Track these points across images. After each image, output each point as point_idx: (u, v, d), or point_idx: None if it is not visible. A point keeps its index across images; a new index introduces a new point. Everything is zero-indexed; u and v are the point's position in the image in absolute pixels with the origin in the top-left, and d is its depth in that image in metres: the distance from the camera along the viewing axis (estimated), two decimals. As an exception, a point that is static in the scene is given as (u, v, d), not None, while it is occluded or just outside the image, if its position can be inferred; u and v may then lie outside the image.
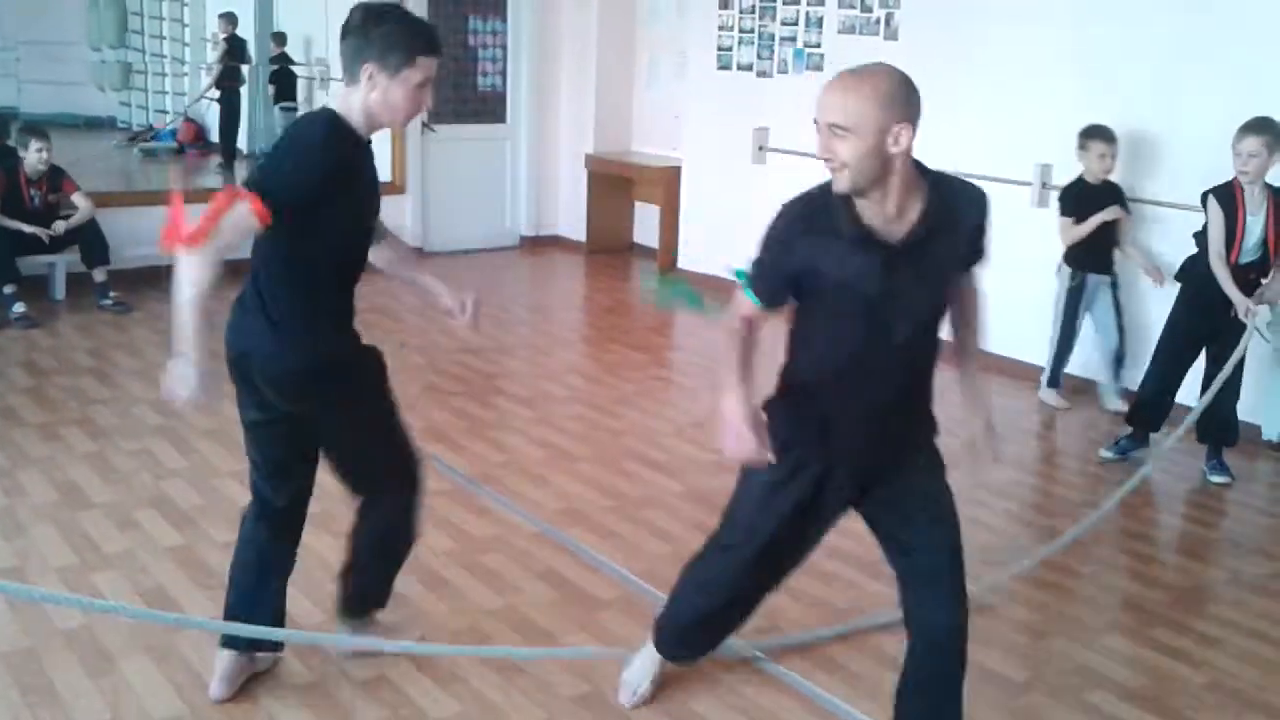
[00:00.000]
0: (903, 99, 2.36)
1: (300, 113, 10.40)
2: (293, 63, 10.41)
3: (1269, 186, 4.65)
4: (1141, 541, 4.39)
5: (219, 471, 4.56)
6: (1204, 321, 4.76)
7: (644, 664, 3.14)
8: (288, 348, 2.83)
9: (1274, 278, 4.66)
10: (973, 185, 2.54)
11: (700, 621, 3.04)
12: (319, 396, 2.89)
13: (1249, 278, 4.69)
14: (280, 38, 10.58)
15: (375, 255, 3.10)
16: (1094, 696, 3.24)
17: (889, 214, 2.42)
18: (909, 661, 2.79)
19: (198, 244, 2.61)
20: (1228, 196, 4.66)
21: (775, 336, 2.71)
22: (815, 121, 2.39)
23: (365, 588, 3.25)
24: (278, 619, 3.07)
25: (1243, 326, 4.62)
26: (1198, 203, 4.81)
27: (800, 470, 2.68)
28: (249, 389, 2.94)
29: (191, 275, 2.66)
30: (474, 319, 3.16)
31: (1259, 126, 4.54)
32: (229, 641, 3.05)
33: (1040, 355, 6.08)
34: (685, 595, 3.03)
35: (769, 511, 2.76)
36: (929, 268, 2.46)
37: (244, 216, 2.61)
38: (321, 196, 2.66)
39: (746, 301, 2.62)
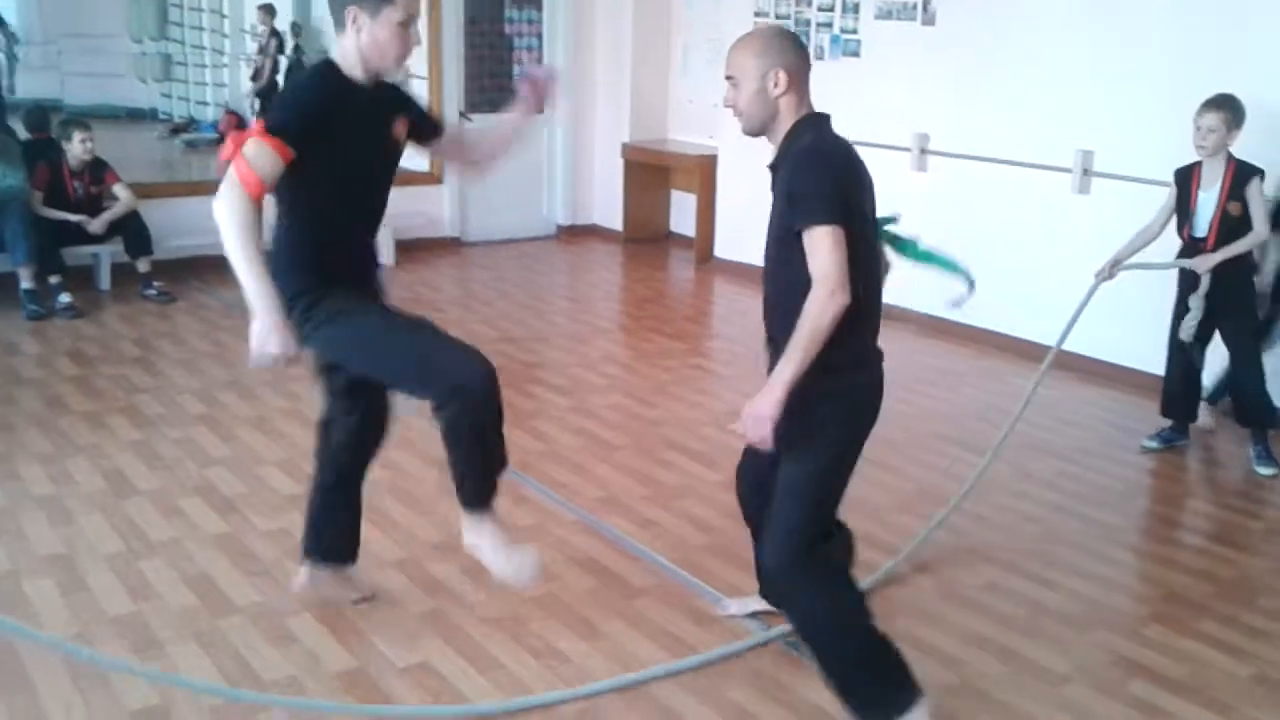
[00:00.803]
0: (774, 48, 2.78)
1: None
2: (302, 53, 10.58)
3: (1235, 163, 4.68)
4: (1184, 531, 4.36)
5: (262, 459, 4.61)
6: (1211, 300, 4.72)
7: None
8: (282, 273, 2.91)
9: (1207, 257, 4.67)
10: (806, 135, 2.79)
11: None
12: (303, 324, 2.94)
13: (1199, 250, 4.73)
14: (296, 28, 10.68)
15: (454, 154, 3.45)
16: (1136, 688, 3.22)
17: (777, 147, 2.86)
18: None
19: (221, 195, 2.76)
20: (1185, 174, 4.78)
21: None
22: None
23: (460, 479, 3.09)
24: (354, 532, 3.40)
25: (1243, 296, 4.74)
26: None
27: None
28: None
29: (227, 219, 2.76)
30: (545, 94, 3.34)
31: (1218, 103, 4.65)
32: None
33: (1079, 343, 6.03)
34: None
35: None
36: (776, 193, 2.84)
37: (259, 149, 2.75)
38: (315, 132, 2.80)
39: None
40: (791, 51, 2.81)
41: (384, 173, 3.11)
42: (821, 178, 2.69)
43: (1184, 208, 4.77)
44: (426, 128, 3.21)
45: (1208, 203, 4.70)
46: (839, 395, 2.80)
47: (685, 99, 9.07)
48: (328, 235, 3.00)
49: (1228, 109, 4.63)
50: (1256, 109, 4.76)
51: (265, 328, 2.77)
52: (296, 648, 3.27)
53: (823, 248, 2.64)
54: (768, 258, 2.89)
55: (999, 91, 6.29)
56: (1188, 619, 3.60)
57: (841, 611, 2.88)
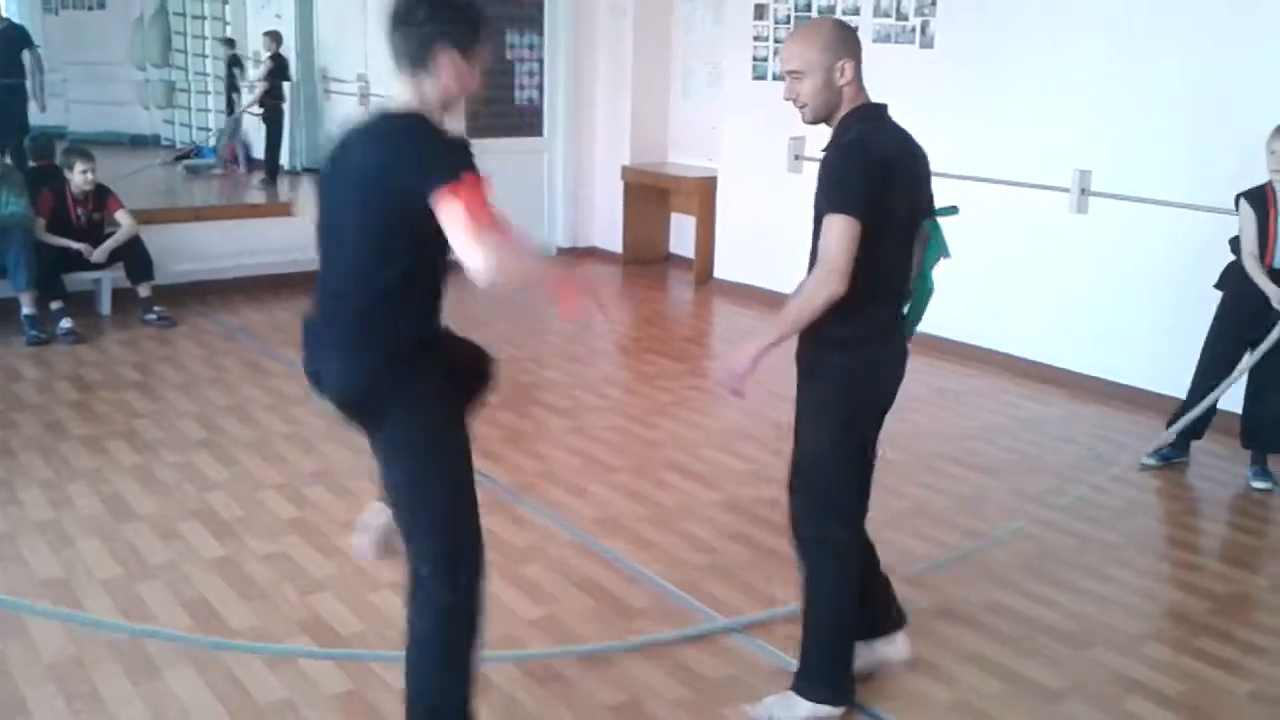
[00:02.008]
0: (840, 40, 2.89)
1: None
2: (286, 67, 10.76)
3: None
4: (1183, 549, 4.35)
5: (261, 484, 4.62)
6: (1246, 328, 4.71)
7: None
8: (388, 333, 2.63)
9: None
10: (852, 128, 2.89)
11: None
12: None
13: None
14: (276, 36, 10.82)
15: None
16: (1134, 706, 3.21)
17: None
18: None
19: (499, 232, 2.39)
20: (1259, 198, 4.65)
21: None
22: (784, 74, 2.93)
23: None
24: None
25: None
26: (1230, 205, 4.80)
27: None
28: None
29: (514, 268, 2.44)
30: None
31: None
32: None
33: (1082, 362, 6.04)
34: None
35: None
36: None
37: (485, 189, 2.42)
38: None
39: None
40: (855, 43, 2.94)
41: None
42: (852, 171, 2.83)
43: (1262, 233, 4.62)
44: None
45: None
46: (847, 367, 2.95)
47: (685, 122, 9.12)
48: (424, 305, 2.69)
49: None
50: (1255, 129, 4.77)
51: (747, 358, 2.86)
52: (292, 670, 3.27)
53: (834, 234, 2.78)
54: (813, 237, 2.93)
55: (997, 113, 6.32)
56: (1186, 636, 3.60)
57: (848, 581, 3.03)
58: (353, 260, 2.58)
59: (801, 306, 2.82)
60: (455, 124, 2.70)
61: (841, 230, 2.76)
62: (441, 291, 2.70)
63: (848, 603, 3.03)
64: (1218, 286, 4.89)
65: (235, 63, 11.49)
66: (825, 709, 3.03)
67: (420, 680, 2.69)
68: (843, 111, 2.92)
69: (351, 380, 2.63)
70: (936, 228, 3.10)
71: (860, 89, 2.93)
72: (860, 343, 2.93)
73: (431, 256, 2.56)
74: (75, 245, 6.74)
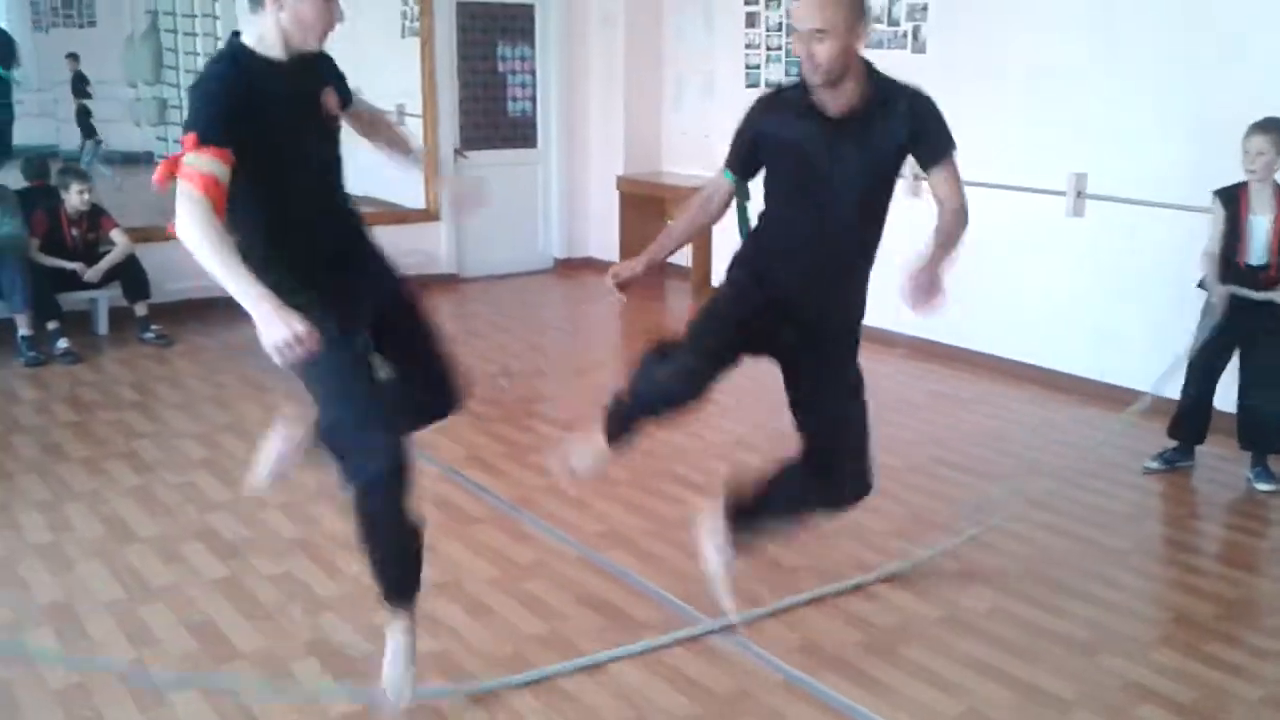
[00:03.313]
0: (861, 3, 2.92)
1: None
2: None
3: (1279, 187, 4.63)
4: (1189, 553, 4.34)
5: (264, 503, 4.59)
6: (1231, 326, 4.71)
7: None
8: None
9: None
10: (908, 84, 3.04)
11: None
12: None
13: (1258, 279, 4.66)
14: None
15: (363, 131, 3.23)
16: (1144, 712, 3.19)
17: (840, 96, 2.95)
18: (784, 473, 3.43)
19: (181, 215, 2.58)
20: (1230, 196, 4.70)
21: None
22: (795, 31, 2.90)
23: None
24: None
25: (1275, 328, 4.62)
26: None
27: (763, 281, 3.17)
28: None
29: (190, 228, 2.57)
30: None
31: (1267, 125, 4.58)
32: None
33: (1078, 365, 6.04)
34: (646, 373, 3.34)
35: (736, 298, 3.23)
36: (867, 139, 2.97)
37: (199, 159, 2.57)
38: (238, 124, 2.62)
39: (718, 177, 3.24)
40: (868, 3, 3.03)
41: (327, 146, 2.93)
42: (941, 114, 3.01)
43: (1234, 231, 4.68)
44: (343, 96, 3.03)
45: (1260, 228, 4.63)
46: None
47: (678, 131, 9.12)
48: (284, 227, 2.81)
49: (1277, 131, 4.55)
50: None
51: (264, 317, 2.52)
52: (299, 692, 3.25)
53: (956, 172, 3.02)
54: (846, 205, 3.03)
55: (991, 116, 6.32)
56: (1195, 642, 3.59)
57: None
58: None
59: (959, 236, 2.99)
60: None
61: (956, 166, 3.03)
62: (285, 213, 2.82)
63: None
64: (1201, 286, 4.90)
65: None
66: None
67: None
68: (853, 72, 2.94)
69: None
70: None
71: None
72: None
73: (253, 190, 2.72)
74: (69, 266, 6.72)
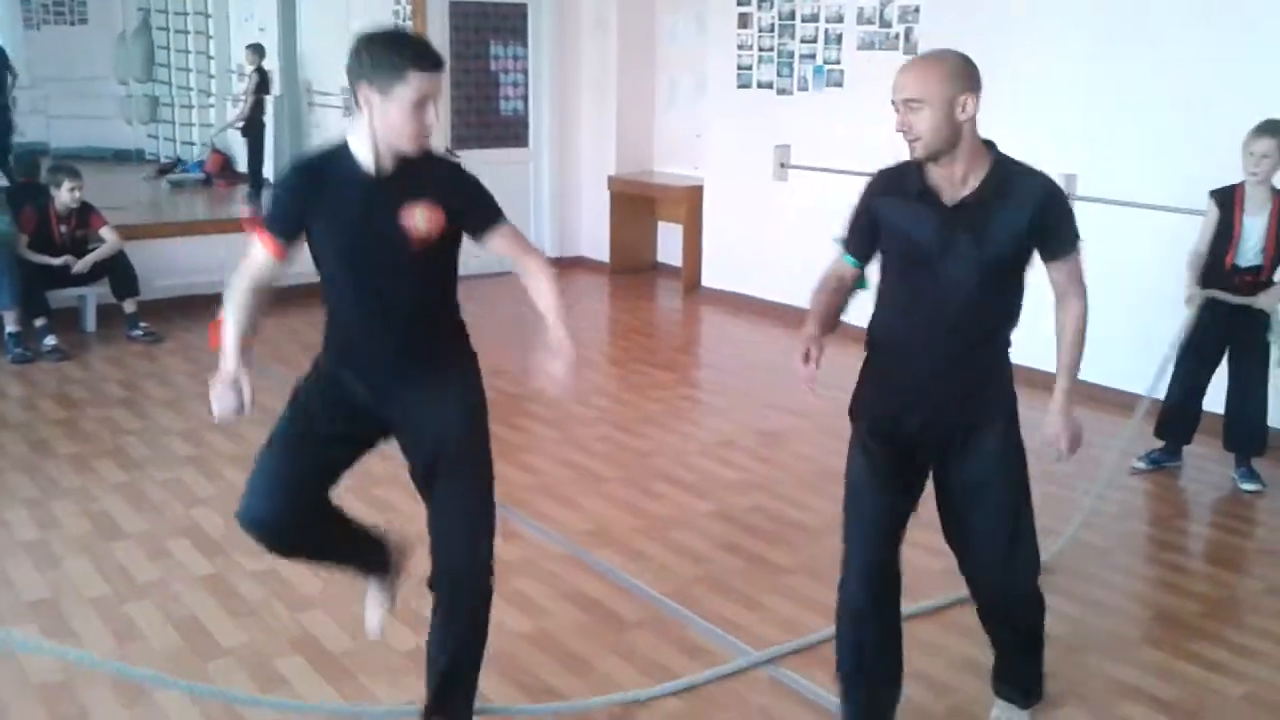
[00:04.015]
0: (964, 74, 2.77)
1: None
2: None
3: (1277, 191, 4.63)
4: (1174, 552, 4.35)
5: (249, 499, 4.58)
6: (1219, 328, 4.73)
7: None
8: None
9: (1273, 290, 4.64)
10: (1036, 170, 2.84)
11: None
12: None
13: (1247, 281, 4.68)
14: (259, 50, 10.76)
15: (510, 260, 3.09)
16: (1129, 710, 3.21)
17: (955, 178, 2.76)
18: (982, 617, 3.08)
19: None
20: (1225, 196, 4.71)
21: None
22: (893, 103, 2.75)
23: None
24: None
25: (1260, 330, 4.65)
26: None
27: (875, 425, 2.89)
28: None
29: (234, 282, 2.80)
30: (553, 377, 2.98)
31: (1271, 128, 4.58)
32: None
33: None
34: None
35: (861, 470, 2.89)
36: (985, 229, 2.74)
37: (255, 249, 2.75)
38: (303, 223, 2.72)
39: (839, 260, 2.95)
40: (979, 78, 2.83)
41: (395, 263, 2.72)
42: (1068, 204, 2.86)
43: (1226, 232, 4.68)
44: (472, 222, 2.86)
45: (1254, 230, 4.64)
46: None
47: (670, 131, 9.13)
48: (335, 319, 2.85)
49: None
50: (1241, 131, 4.78)
51: (217, 380, 2.82)
52: (285, 690, 3.25)
53: (1082, 264, 2.87)
54: (960, 296, 2.77)
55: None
56: (1179, 640, 3.60)
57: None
58: None
59: (1085, 343, 2.93)
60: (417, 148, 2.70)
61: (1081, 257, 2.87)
62: (343, 310, 2.85)
63: None
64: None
65: (261, 74, 11.36)
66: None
67: None
68: (968, 150, 2.77)
69: None
70: None
71: (976, 127, 2.80)
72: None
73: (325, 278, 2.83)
74: (56, 261, 6.70)
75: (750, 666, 3.39)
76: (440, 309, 2.89)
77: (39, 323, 6.58)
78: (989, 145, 2.82)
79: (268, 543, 2.89)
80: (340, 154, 2.70)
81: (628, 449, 5.29)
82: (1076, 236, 2.83)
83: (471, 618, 2.87)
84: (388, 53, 2.58)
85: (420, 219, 2.69)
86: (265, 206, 2.83)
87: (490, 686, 3.25)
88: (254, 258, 2.76)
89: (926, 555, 4.14)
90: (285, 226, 2.73)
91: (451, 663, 2.88)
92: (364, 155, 2.66)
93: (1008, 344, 2.92)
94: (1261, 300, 4.64)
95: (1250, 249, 4.67)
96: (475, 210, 2.86)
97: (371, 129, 2.63)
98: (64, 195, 6.74)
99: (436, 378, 2.83)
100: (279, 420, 2.94)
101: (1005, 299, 2.85)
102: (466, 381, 2.91)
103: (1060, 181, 6.01)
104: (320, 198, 2.69)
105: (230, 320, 2.78)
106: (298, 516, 2.87)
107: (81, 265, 6.77)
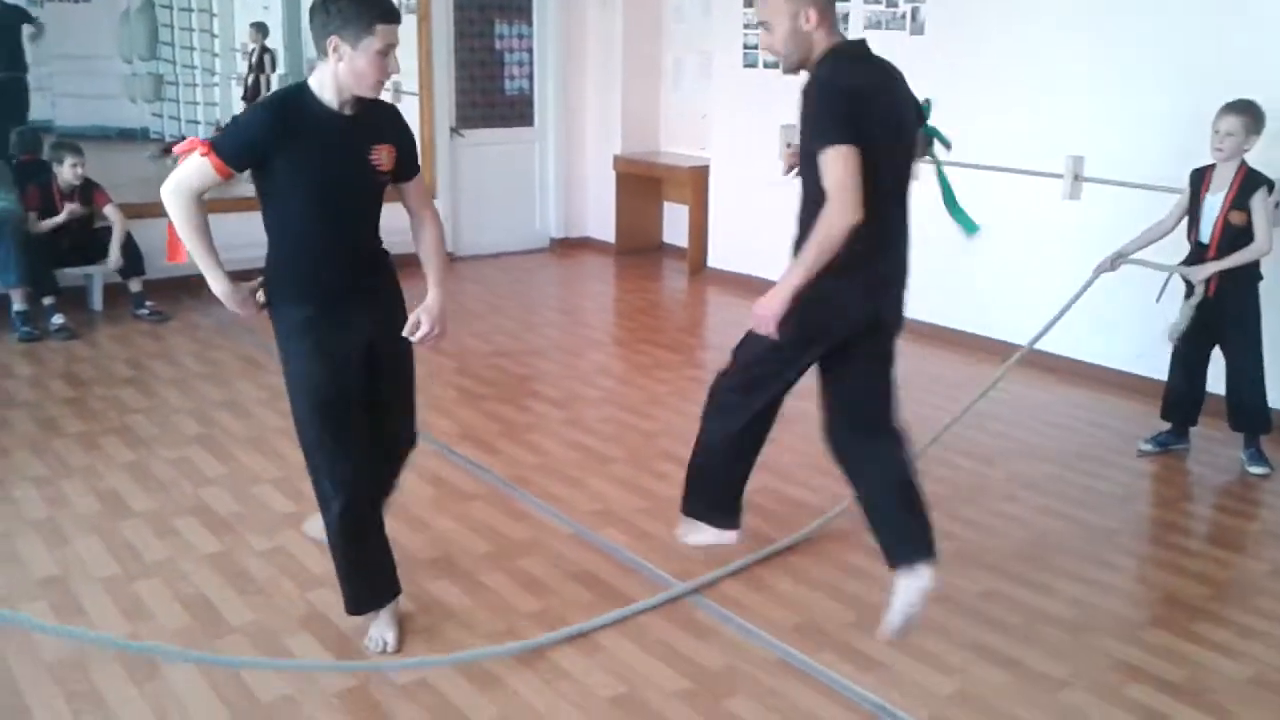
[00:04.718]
0: None
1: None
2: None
3: (1245, 170, 4.64)
4: (1180, 534, 4.36)
5: (258, 479, 4.60)
6: (1212, 308, 4.71)
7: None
8: (276, 307, 3.19)
9: (1203, 266, 4.67)
10: (817, 78, 3.09)
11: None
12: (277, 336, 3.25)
13: (1204, 258, 4.70)
14: (262, 28, 10.74)
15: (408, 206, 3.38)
16: (1135, 691, 3.22)
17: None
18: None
19: (165, 186, 3.01)
20: (1197, 176, 4.77)
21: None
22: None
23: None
24: None
25: (1244, 307, 4.69)
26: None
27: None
28: None
29: (172, 214, 3.04)
30: (421, 340, 3.24)
31: (1238, 107, 4.61)
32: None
33: (1072, 347, 6.04)
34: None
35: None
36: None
37: (197, 162, 2.97)
38: (266, 157, 2.98)
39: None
40: None
41: (363, 196, 3.14)
42: (831, 104, 2.99)
43: (1193, 210, 4.74)
44: (401, 169, 3.22)
45: (1213, 207, 4.67)
46: (816, 298, 3.10)
47: (676, 111, 9.10)
48: (304, 254, 3.12)
49: (1247, 113, 4.58)
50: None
51: (223, 295, 3.15)
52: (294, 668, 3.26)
53: (835, 167, 2.94)
54: (801, 173, 3.15)
55: (988, 99, 6.31)
56: (1185, 622, 3.61)
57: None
58: None
59: (821, 243, 2.98)
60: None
61: (841, 161, 2.93)
62: (309, 240, 3.12)
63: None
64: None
65: (265, 52, 11.39)
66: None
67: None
68: (816, 56, 3.08)
69: None
70: (930, 130, 3.34)
71: (831, 32, 3.09)
72: (835, 271, 3.05)
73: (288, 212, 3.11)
74: (61, 217, 6.68)
75: (758, 647, 3.40)
76: (378, 235, 3.27)
77: (47, 301, 6.58)
78: (840, 48, 3.12)
79: (370, 516, 3.32)
80: (306, 97, 3.01)
81: (634, 429, 5.29)
82: (824, 139, 3.00)
83: (402, 466, 3.55)
84: (357, 7, 2.91)
85: (385, 157, 3.12)
86: (225, 134, 3.05)
87: (499, 665, 3.26)
88: (200, 173, 2.97)
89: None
90: (246, 157, 3.00)
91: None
92: (329, 98, 3.00)
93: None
94: (1187, 270, 4.72)
95: (1207, 225, 4.71)
96: (409, 155, 3.24)
97: (336, 76, 2.97)
98: (66, 172, 6.73)
99: (387, 291, 3.29)
100: (311, 412, 3.17)
101: (815, 184, 3.05)
102: (399, 293, 3.34)
103: (1068, 164, 6.05)
104: (293, 136, 2.97)
105: (196, 239, 3.04)
106: (377, 472, 3.40)
107: (113, 261, 6.79)
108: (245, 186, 3.17)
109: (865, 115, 3.00)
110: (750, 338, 3.35)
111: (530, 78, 9.23)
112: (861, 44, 3.20)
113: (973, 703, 3.15)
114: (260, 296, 3.18)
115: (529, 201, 9.37)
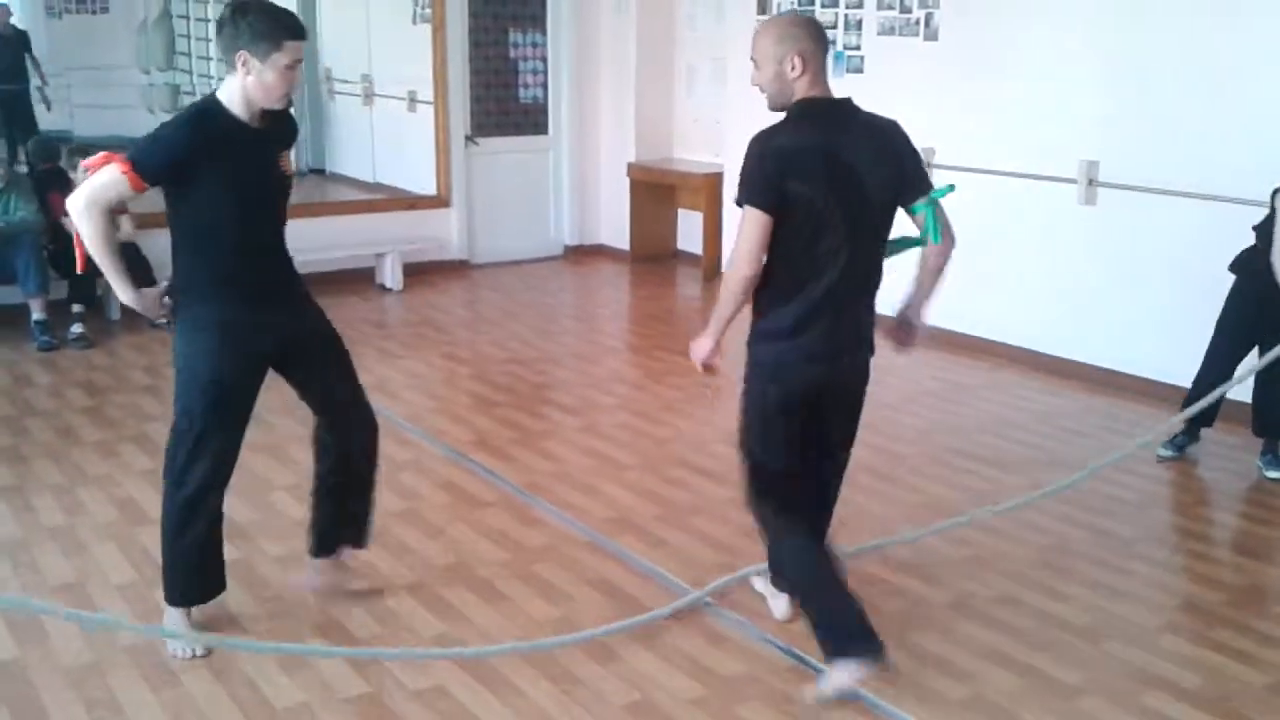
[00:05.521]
0: (792, 36, 3.02)
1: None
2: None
3: None
4: (1198, 540, 4.34)
5: (273, 485, 4.62)
6: (1257, 316, 4.68)
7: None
8: (186, 308, 3.27)
9: None
10: (756, 134, 3.05)
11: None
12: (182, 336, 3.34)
13: None
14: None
15: None
16: (1151, 699, 3.20)
17: None
18: None
19: (75, 199, 3.09)
20: None
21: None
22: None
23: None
24: None
25: None
26: (1248, 196, 4.77)
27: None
28: None
29: (84, 228, 3.11)
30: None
31: None
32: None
33: (1088, 353, 6.03)
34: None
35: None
36: None
37: (113, 177, 3.05)
38: (186, 172, 3.08)
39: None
40: (810, 39, 3.05)
41: (275, 200, 3.31)
42: (751, 163, 3.02)
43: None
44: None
45: None
46: (756, 362, 3.18)
47: (690, 118, 9.11)
48: (223, 257, 3.22)
49: None
50: (1264, 116, 4.75)
51: (131, 302, 3.27)
52: (308, 673, 3.27)
53: (740, 225, 3.03)
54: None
55: (1002, 104, 6.30)
56: (1202, 628, 3.59)
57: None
58: None
59: (722, 293, 3.10)
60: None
61: (745, 221, 3.00)
62: (232, 247, 3.23)
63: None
64: (1231, 269, 4.85)
65: None
66: None
67: None
68: (792, 103, 3.07)
69: None
70: (929, 209, 3.16)
71: (813, 83, 3.05)
72: (767, 337, 3.12)
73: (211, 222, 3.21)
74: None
75: (773, 654, 3.40)
76: (284, 234, 3.39)
77: (76, 308, 6.60)
78: (806, 103, 3.05)
79: (216, 512, 3.49)
80: (217, 111, 3.13)
81: (648, 436, 5.29)
82: (739, 196, 3.09)
83: (371, 450, 3.58)
84: (265, 24, 3.04)
85: (291, 163, 3.34)
86: (143, 150, 3.10)
87: (514, 672, 3.27)
88: (115, 188, 3.06)
89: (948, 542, 4.14)
90: (164, 172, 3.09)
91: (360, 501, 3.59)
92: (238, 112, 3.12)
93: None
94: None
95: None
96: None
97: (244, 89, 3.09)
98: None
99: (298, 283, 3.43)
100: (208, 406, 3.33)
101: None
102: (305, 286, 3.47)
103: (1082, 169, 6.00)
104: (211, 151, 3.08)
105: (106, 252, 3.13)
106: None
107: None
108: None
109: (795, 175, 2.95)
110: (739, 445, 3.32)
111: (544, 86, 9.25)
112: (827, 101, 3.05)
113: (988, 709, 3.14)
114: (167, 300, 3.31)
115: (543, 209, 9.38)
